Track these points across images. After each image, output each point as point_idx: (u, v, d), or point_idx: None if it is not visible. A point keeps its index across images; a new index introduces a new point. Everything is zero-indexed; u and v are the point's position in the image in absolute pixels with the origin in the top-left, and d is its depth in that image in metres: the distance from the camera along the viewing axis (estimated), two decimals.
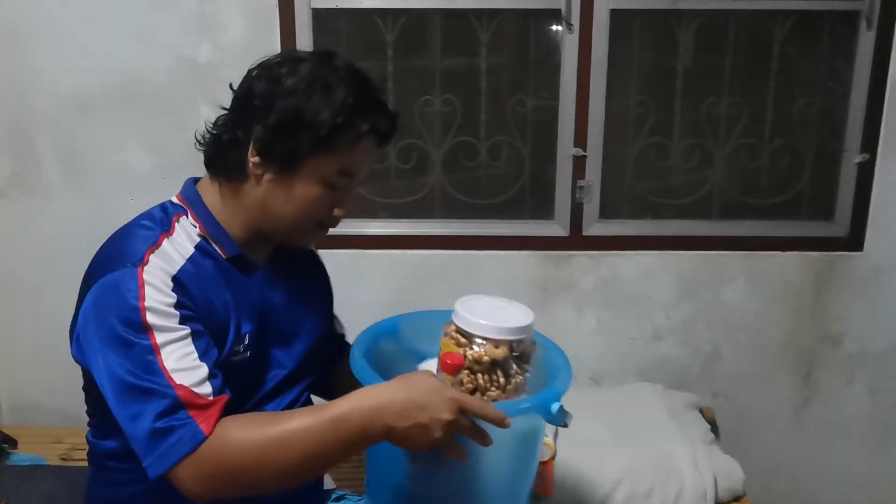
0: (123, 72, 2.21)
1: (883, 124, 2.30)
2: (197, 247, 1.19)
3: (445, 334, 1.19)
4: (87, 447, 1.33)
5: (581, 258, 2.38)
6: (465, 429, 1.06)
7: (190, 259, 1.17)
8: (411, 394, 1.04)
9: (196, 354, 1.10)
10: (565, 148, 2.33)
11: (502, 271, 2.37)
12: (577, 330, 2.42)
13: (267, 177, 1.18)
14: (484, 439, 1.08)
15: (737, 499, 2.04)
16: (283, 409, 1.30)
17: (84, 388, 1.25)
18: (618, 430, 2.11)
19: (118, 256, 1.14)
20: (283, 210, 1.20)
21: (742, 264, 2.38)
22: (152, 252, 1.13)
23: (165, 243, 1.16)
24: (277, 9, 2.20)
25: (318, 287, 1.47)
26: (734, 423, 2.47)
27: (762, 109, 2.35)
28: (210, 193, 1.24)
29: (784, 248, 2.38)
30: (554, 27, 2.29)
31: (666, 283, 2.39)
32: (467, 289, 2.53)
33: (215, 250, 1.21)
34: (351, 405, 1.05)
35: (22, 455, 2.17)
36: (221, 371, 1.14)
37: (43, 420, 2.40)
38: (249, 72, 1.22)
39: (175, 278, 1.13)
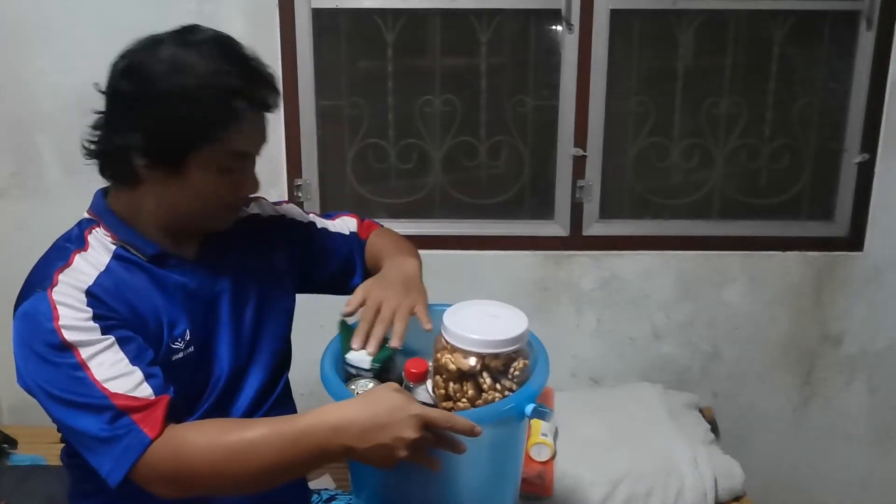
0: None
1: (883, 124, 2.30)
2: (115, 255, 1.17)
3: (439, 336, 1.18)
4: None
5: (581, 258, 2.38)
6: (432, 443, 1.03)
7: (106, 270, 1.15)
8: (372, 412, 1.00)
9: (127, 360, 1.09)
10: (565, 148, 2.33)
11: (502, 271, 2.36)
12: (577, 330, 2.41)
13: (160, 176, 1.15)
14: (456, 448, 1.04)
15: (737, 499, 2.04)
16: (252, 399, 1.28)
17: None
18: (618, 430, 2.11)
19: (31, 284, 1.14)
20: (186, 205, 1.17)
21: (742, 264, 2.38)
22: (61, 272, 1.12)
23: (77, 260, 1.15)
24: (277, 9, 2.21)
25: (272, 258, 1.37)
26: (734, 423, 2.47)
27: (762, 109, 2.35)
28: (116, 200, 1.22)
29: (784, 248, 2.38)
30: (554, 27, 2.29)
31: (666, 283, 2.39)
32: (467, 289, 2.52)
33: (134, 254, 1.19)
34: (312, 422, 1.02)
35: (22, 455, 2.17)
36: (165, 372, 1.13)
37: (43, 420, 2.37)
38: (113, 66, 1.17)
39: (88, 292, 1.11)
